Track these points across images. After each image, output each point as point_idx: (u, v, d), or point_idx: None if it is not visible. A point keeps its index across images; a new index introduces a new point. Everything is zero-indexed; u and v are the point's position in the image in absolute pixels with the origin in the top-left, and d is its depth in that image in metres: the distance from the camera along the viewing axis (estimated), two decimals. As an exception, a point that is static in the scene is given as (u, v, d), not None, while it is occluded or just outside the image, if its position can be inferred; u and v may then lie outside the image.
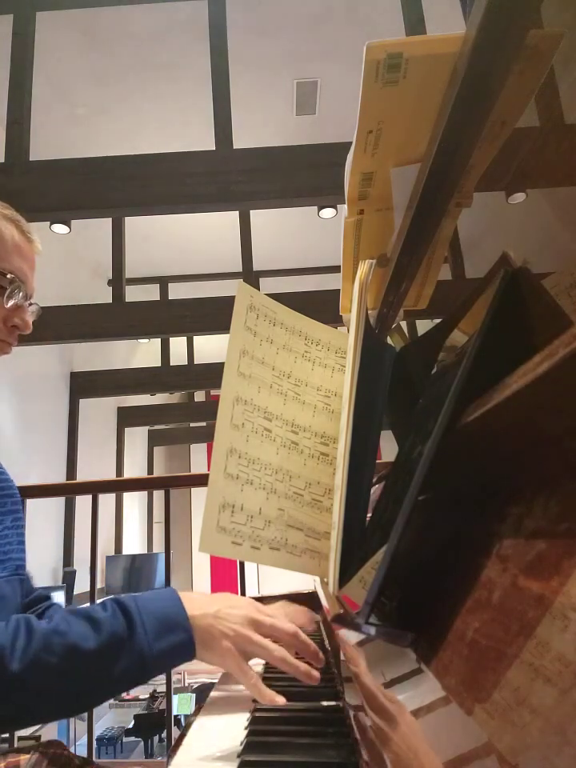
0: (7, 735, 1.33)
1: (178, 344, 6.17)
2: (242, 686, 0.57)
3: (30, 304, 0.78)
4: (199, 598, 0.60)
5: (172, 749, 0.55)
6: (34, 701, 0.51)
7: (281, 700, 0.54)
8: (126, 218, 4.53)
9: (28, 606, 0.83)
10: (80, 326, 3.83)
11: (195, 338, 6.37)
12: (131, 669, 0.53)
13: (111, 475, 6.34)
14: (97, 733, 3.84)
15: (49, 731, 3.32)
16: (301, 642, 0.60)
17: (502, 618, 0.28)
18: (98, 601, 0.88)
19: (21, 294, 0.73)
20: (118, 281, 4.30)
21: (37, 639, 0.52)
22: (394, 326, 0.83)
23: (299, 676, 0.57)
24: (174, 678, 2.41)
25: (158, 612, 0.56)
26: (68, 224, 3.92)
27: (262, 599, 1.19)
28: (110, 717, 5.15)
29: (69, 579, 4.67)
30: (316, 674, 0.57)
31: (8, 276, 0.72)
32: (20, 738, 2.09)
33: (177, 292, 5.95)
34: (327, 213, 4.05)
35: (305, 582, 1.14)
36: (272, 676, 0.74)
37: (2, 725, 0.56)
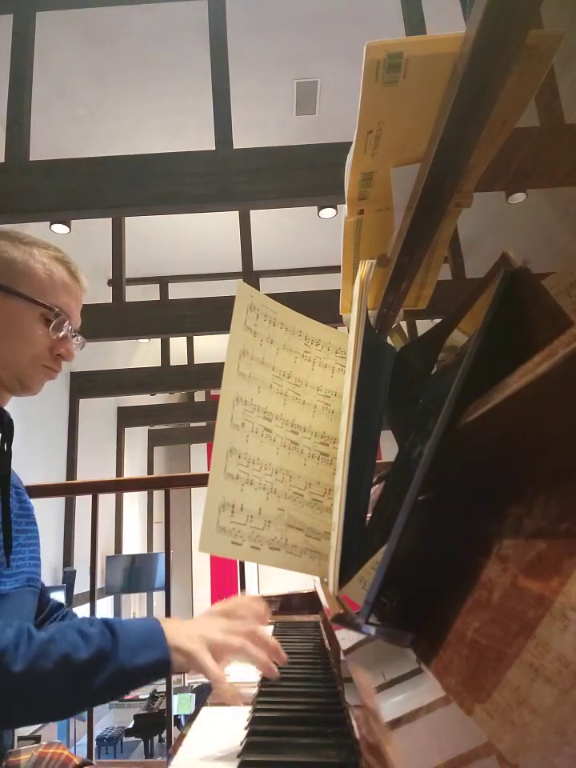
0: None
1: (178, 344, 6.17)
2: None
3: (75, 336, 0.87)
4: (177, 623, 0.66)
5: (172, 749, 0.55)
6: (26, 701, 0.56)
7: (239, 701, 0.59)
8: (126, 218, 4.53)
9: (46, 618, 0.90)
10: (80, 325, 3.82)
11: (195, 338, 6.37)
12: (112, 680, 0.58)
13: (111, 475, 6.34)
14: (97, 733, 3.84)
15: (49, 731, 3.32)
16: (258, 641, 0.65)
17: (502, 618, 0.28)
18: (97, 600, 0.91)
19: (67, 326, 0.82)
20: (117, 281, 4.30)
21: (35, 645, 0.57)
22: (393, 326, 0.83)
23: (260, 667, 0.63)
24: (174, 677, 2.41)
25: (139, 632, 0.62)
26: (68, 224, 3.93)
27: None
28: (110, 717, 5.16)
29: (69, 579, 4.67)
30: (274, 669, 0.63)
31: (55, 310, 0.80)
32: (20, 739, 2.10)
33: (177, 292, 5.95)
34: (327, 213, 4.05)
35: (305, 582, 1.14)
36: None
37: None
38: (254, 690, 0.67)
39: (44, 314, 0.79)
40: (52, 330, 0.81)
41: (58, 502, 4.96)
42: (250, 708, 0.62)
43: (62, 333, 0.82)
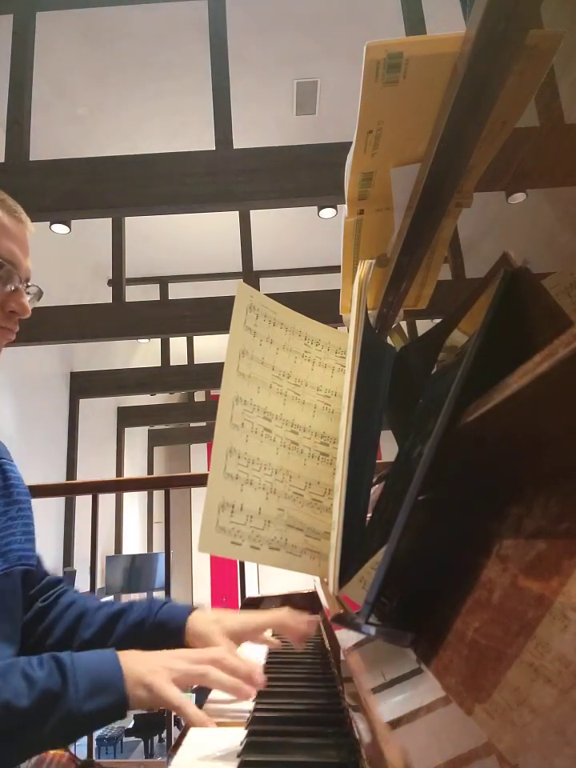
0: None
1: (178, 344, 6.17)
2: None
3: (28, 287, 0.75)
4: (137, 655, 0.60)
5: (172, 749, 0.55)
6: None
7: (211, 724, 0.55)
8: (126, 218, 4.53)
9: (40, 593, 0.82)
10: (80, 326, 3.83)
11: (195, 338, 6.38)
12: (60, 728, 0.53)
13: (111, 475, 6.34)
14: (97, 733, 3.84)
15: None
16: (226, 667, 0.59)
17: (502, 618, 0.28)
18: (102, 599, 0.86)
19: (14, 277, 0.71)
20: (118, 281, 4.30)
21: None
22: (393, 326, 0.83)
23: (228, 691, 0.58)
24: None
25: (93, 671, 0.56)
26: (68, 224, 3.92)
27: (261, 600, 1.19)
28: (109, 717, 5.14)
29: (69, 579, 4.67)
30: (246, 690, 0.58)
31: None
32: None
33: (177, 292, 5.95)
34: (327, 213, 4.05)
35: (305, 582, 1.14)
36: (271, 675, 0.74)
37: None
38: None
39: None
40: None
41: (58, 502, 4.96)
42: (250, 707, 0.62)
43: (11, 286, 0.71)
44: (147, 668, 0.57)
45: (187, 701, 0.56)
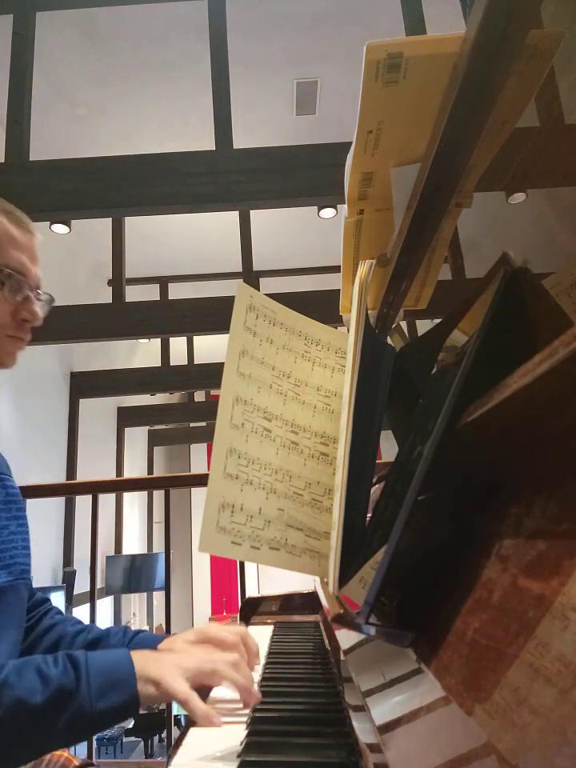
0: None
1: (178, 344, 6.17)
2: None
3: (39, 294, 0.77)
4: (150, 655, 0.62)
5: (172, 749, 0.55)
6: None
7: (217, 720, 0.56)
8: (126, 218, 4.53)
9: (31, 608, 0.84)
10: (80, 326, 3.83)
11: (195, 338, 6.38)
12: (73, 725, 0.53)
13: (111, 475, 6.35)
14: (97, 733, 3.84)
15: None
16: (241, 670, 0.62)
17: (502, 618, 0.28)
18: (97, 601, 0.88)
19: (24, 286, 0.73)
20: (117, 281, 4.30)
21: None
22: (394, 326, 0.83)
23: (238, 689, 0.60)
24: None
25: (107, 670, 0.57)
26: (68, 224, 3.93)
27: (261, 600, 1.19)
28: (109, 717, 5.14)
29: (69, 579, 4.67)
30: (255, 694, 0.60)
31: (5, 271, 0.71)
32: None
33: (177, 292, 5.96)
34: (327, 213, 4.05)
35: (305, 582, 1.14)
36: (271, 675, 0.74)
37: None
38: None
39: None
40: (8, 293, 0.71)
41: (58, 502, 4.96)
42: (250, 708, 0.62)
43: (22, 294, 0.73)
44: (158, 665, 0.58)
45: (194, 695, 0.56)
